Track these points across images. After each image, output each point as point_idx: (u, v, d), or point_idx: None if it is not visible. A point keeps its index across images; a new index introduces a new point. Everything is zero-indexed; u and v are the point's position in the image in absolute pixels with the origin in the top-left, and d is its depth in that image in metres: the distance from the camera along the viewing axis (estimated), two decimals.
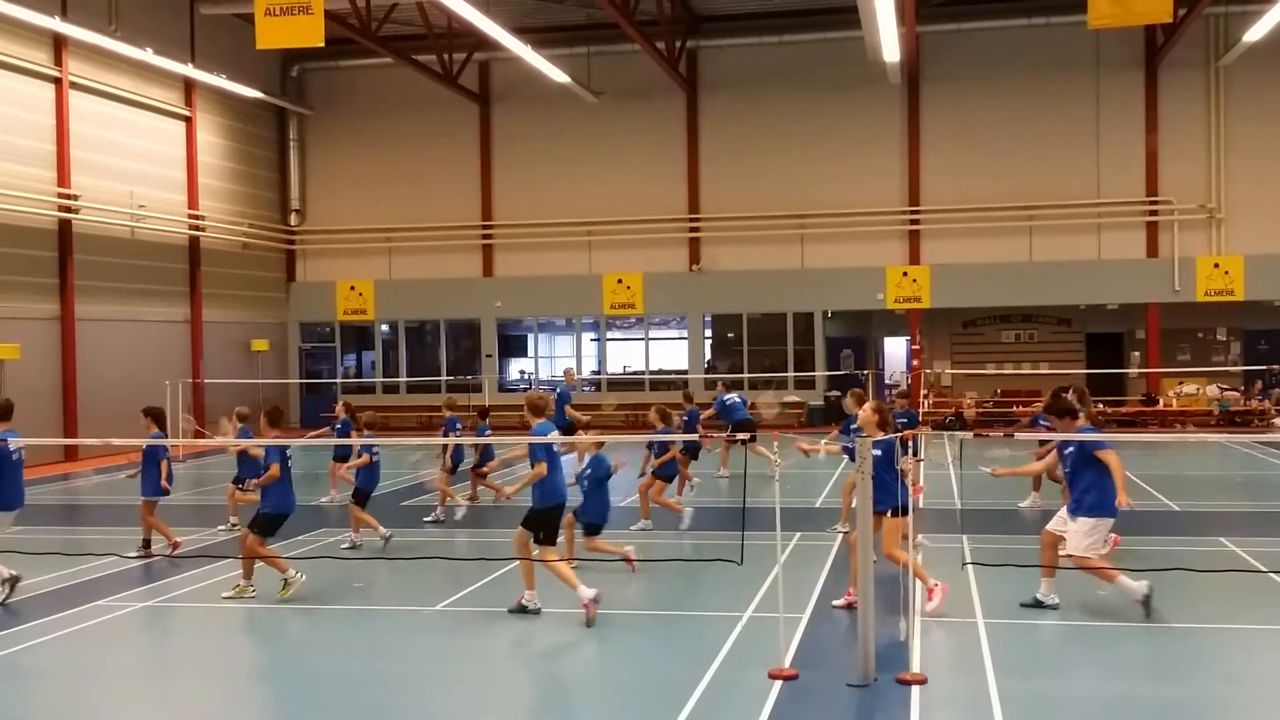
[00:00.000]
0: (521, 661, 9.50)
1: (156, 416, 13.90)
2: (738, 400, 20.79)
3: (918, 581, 9.96)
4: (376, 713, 8.15)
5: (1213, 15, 29.13)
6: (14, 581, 11.51)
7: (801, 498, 17.74)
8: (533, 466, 10.53)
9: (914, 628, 9.17)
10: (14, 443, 11.43)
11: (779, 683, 8.40)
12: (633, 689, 8.75)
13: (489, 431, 17.33)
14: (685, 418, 18.85)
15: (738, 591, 11.09)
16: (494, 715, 8.27)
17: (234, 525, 15.37)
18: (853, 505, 14.85)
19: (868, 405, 10.97)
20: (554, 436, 10.88)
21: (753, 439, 11.36)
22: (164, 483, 13.71)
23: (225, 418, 16.31)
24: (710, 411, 20.72)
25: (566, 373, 25.03)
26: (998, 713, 7.80)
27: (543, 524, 10.58)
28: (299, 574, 11.45)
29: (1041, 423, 15.11)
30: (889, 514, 10.29)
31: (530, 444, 10.74)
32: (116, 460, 12.71)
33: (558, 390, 22.50)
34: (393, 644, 9.99)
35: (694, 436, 15.66)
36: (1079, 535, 10.17)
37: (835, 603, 10.72)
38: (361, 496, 14.32)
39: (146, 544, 13.84)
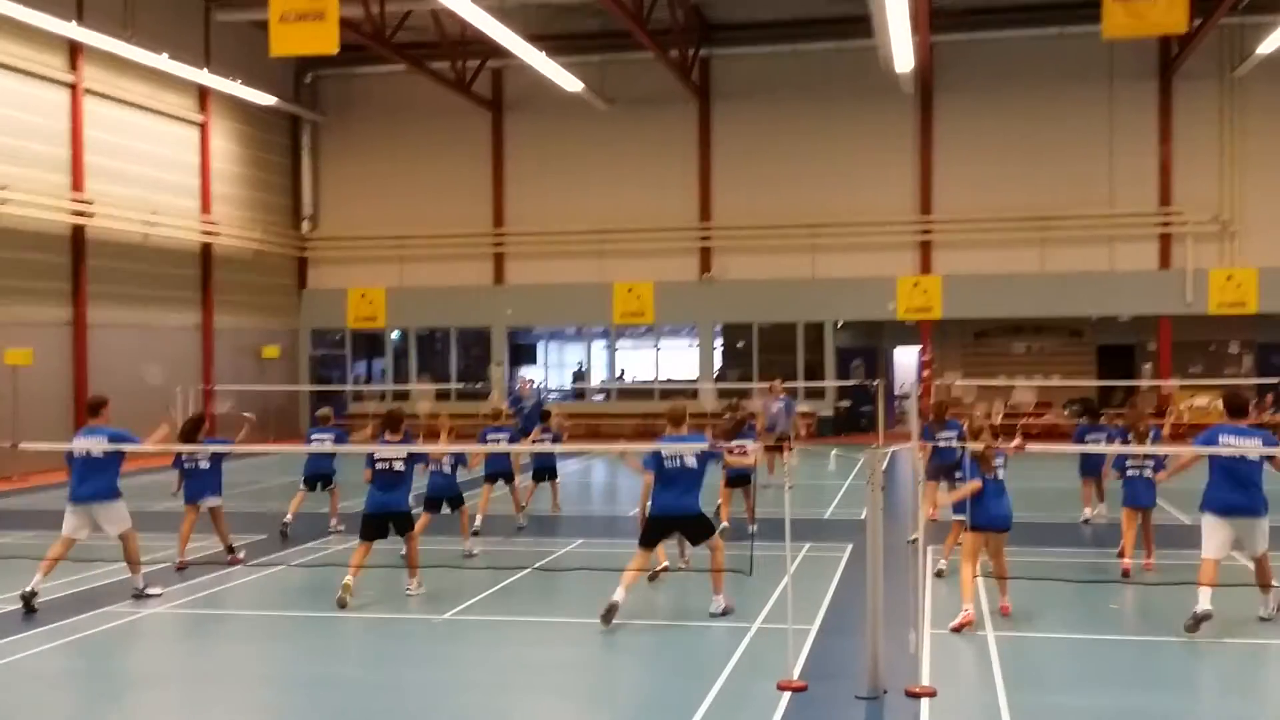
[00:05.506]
0: (529, 671, 9.48)
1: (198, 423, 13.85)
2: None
3: (928, 594, 9.89)
4: None
5: (1227, 26, 29.02)
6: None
7: (811, 509, 17.70)
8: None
9: (924, 640, 9.13)
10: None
11: (788, 694, 8.37)
12: (640, 700, 8.73)
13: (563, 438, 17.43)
14: None
15: (747, 602, 11.05)
16: None
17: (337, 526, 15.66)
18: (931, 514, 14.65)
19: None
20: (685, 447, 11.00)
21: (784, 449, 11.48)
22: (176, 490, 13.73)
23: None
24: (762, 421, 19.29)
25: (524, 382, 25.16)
26: None
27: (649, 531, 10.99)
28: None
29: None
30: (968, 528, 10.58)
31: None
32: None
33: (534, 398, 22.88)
34: (401, 652, 9.99)
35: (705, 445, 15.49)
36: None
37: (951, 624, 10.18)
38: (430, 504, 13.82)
39: (231, 549, 13.64)
